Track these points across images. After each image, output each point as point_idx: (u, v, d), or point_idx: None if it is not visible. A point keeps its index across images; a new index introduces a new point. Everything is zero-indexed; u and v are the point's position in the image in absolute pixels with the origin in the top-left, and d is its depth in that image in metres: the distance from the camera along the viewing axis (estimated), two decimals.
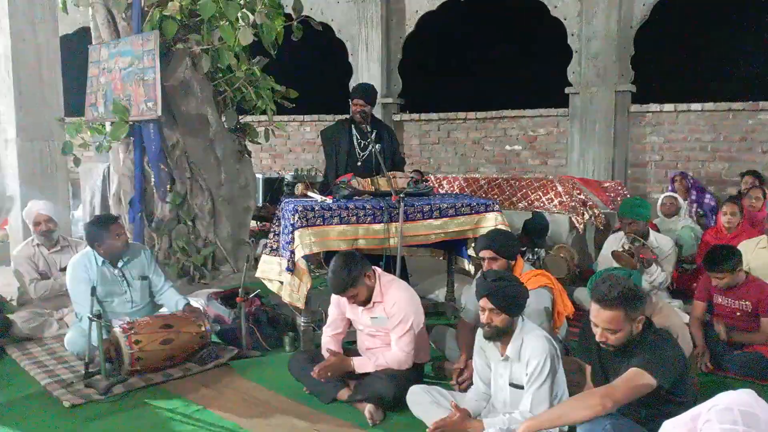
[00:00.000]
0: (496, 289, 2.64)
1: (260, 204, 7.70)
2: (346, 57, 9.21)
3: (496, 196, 6.05)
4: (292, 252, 3.60)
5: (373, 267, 3.20)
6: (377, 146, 4.45)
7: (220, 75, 5.58)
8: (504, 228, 3.82)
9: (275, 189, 7.90)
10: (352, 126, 4.64)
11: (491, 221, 3.97)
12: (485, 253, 3.28)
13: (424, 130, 9.06)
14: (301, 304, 3.69)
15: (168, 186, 5.36)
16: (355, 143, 4.60)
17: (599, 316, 2.48)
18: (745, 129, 7.30)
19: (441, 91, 10.21)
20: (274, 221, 4.18)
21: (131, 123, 5.09)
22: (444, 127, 8.91)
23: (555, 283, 3.36)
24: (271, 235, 4.10)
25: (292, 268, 3.61)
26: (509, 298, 2.63)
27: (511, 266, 3.29)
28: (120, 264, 3.80)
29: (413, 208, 3.85)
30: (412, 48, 9.12)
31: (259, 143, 6.53)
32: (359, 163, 4.58)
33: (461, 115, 8.74)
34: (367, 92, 4.67)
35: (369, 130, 4.60)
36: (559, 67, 8.00)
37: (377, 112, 8.85)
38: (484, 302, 2.66)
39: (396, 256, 3.75)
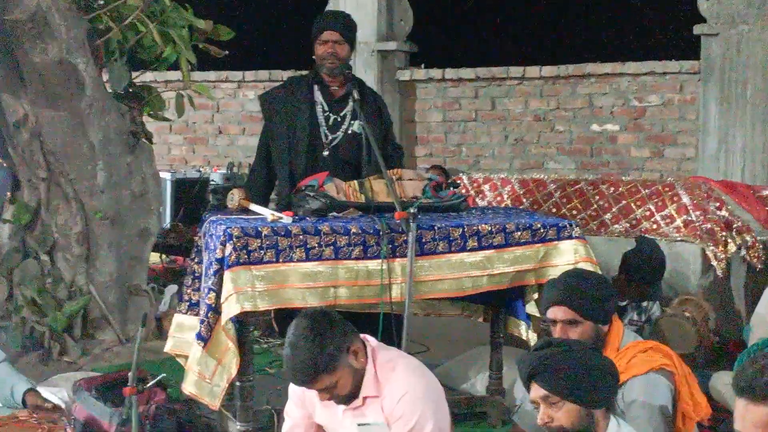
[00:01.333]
0: (548, 362, 2.71)
1: (167, 225, 7.67)
2: None
3: (575, 213, 6.02)
4: (212, 308, 3.63)
5: (362, 337, 3.20)
6: (355, 123, 4.53)
7: (102, 3, 5.58)
8: (589, 267, 3.84)
9: (194, 199, 7.88)
10: (315, 88, 4.71)
11: (567, 255, 4.00)
12: (556, 312, 3.30)
13: (451, 96, 9.07)
14: (215, 403, 3.72)
15: (8, 194, 5.34)
16: (320, 118, 4.69)
17: (748, 417, 2.46)
18: None
19: (478, 32, 10.24)
20: (193, 254, 4.19)
21: None
22: (486, 91, 8.92)
23: (678, 363, 3.37)
24: (188, 280, 4.11)
25: (205, 336, 3.64)
26: (574, 375, 2.69)
27: (601, 334, 3.31)
28: None
29: (432, 232, 3.88)
30: None
31: (168, 120, 6.50)
32: (325, 153, 4.66)
33: (515, 71, 8.75)
34: (344, 21, 4.75)
35: (344, 94, 4.65)
36: None
37: (371, 66, 8.86)
38: (535, 391, 2.75)
39: (401, 316, 3.75)
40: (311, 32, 4.73)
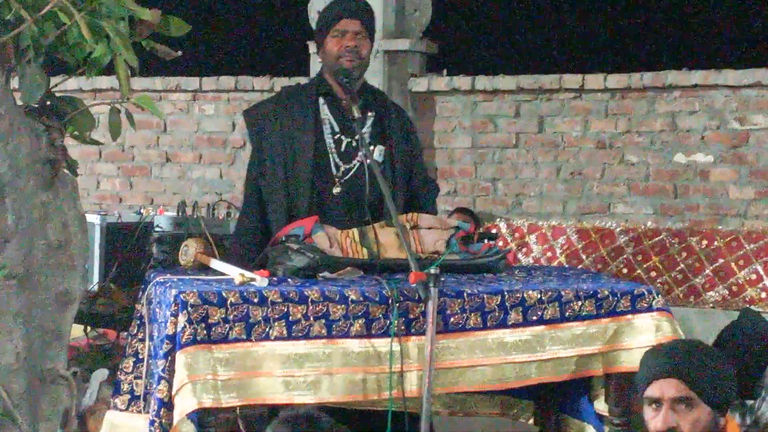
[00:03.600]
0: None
1: (95, 286, 7.67)
2: None
3: (654, 275, 6.04)
4: (164, 404, 3.65)
5: None
6: (376, 150, 4.58)
7: None
8: None
9: (132, 251, 7.90)
10: (321, 102, 4.75)
11: (646, 334, 4.04)
12: (665, 388, 3.30)
13: (483, 114, 9.12)
14: None
15: None
16: (330, 142, 4.72)
17: None
18: None
19: (520, 29, 10.31)
20: (134, 328, 4.25)
21: None
22: (530, 107, 8.97)
23: None
24: (126, 363, 4.16)
25: None
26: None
27: (718, 428, 3.32)
28: None
29: (461, 301, 3.91)
30: None
31: (98, 143, 6.52)
32: (336, 190, 4.68)
33: (571, 80, 8.81)
34: (366, 8, 4.81)
35: (360, 111, 4.67)
36: None
37: (375, 72, 8.90)
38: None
39: (418, 416, 3.75)
40: (318, 26, 4.79)
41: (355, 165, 4.67)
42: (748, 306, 5.66)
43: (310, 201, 4.60)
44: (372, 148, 4.64)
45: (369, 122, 4.70)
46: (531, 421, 4.68)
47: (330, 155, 4.68)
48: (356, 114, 4.58)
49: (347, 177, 4.67)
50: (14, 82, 5.78)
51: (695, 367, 3.32)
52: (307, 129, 4.68)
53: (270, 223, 4.69)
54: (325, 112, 4.72)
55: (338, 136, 4.70)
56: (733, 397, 3.42)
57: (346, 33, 4.64)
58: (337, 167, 4.67)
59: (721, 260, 6.01)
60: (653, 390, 3.33)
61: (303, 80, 5.99)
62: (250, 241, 4.70)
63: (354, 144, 4.67)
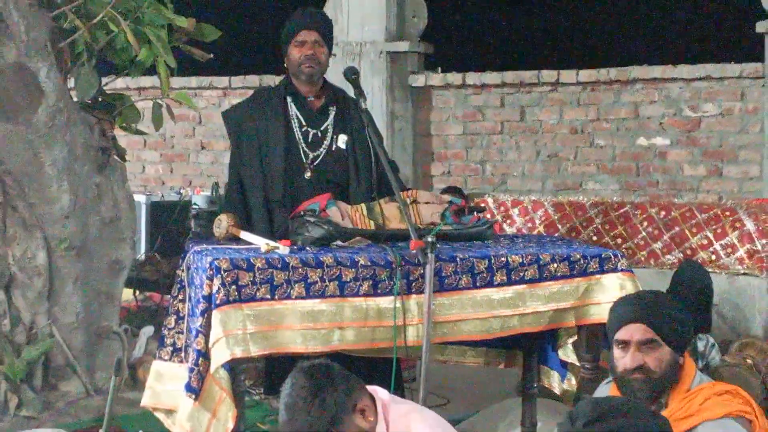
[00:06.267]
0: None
1: (142, 256, 7.68)
2: None
3: (619, 241, 6.03)
4: (202, 354, 3.65)
5: (371, 390, 3.21)
6: (340, 138, 4.61)
7: None
8: None
9: (173, 225, 7.90)
10: (289, 100, 4.76)
11: (612, 291, 4.01)
12: (633, 332, 3.28)
13: (473, 105, 9.10)
14: None
15: None
16: (298, 134, 4.73)
17: None
18: None
19: (505, 31, 10.27)
20: (175, 290, 4.21)
21: None
22: (513, 99, 8.95)
23: (759, 413, 3.33)
24: (169, 321, 4.13)
25: (196, 388, 3.67)
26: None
27: (677, 365, 3.31)
28: None
29: (454, 264, 3.91)
30: None
31: (143, 133, 6.53)
32: (308, 175, 4.70)
33: (548, 75, 8.78)
34: (323, 19, 4.83)
35: (322, 105, 4.72)
36: None
37: (379, 71, 8.89)
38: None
39: (418, 361, 3.81)
40: (282, 36, 4.79)
41: (321, 152, 4.70)
42: (687, 258, 5.67)
43: (284, 185, 4.62)
44: (335, 136, 4.67)
45: (331, 115, 4.71)
46: (502, 365, 4.66)
47: (299, 145, 4.69)
48: (363, 106, 4.56)
49: (316, 163, 4.68)
50: (71, 82, 5.79)
51: (658, 313, 3.31)
52: (278, 124, 4.68)
53: (249, 205, 4.72)
54: (292, 109, 4.72)
55: (305, 128, 4.70)
56: (689, 338, 3.43)
57: (305, 43, 4.66)
58: (306, 155, 4.68)
59: (676, 228, 6.01)
60: (622, 333, 3.31)
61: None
62: (227, 208, 4.70)
63: (319, 135, 4.70)
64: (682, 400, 3.26)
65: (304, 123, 4.72)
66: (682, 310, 3.42)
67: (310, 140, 4.71)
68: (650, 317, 3.30)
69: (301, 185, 4.63)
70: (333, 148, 4.70)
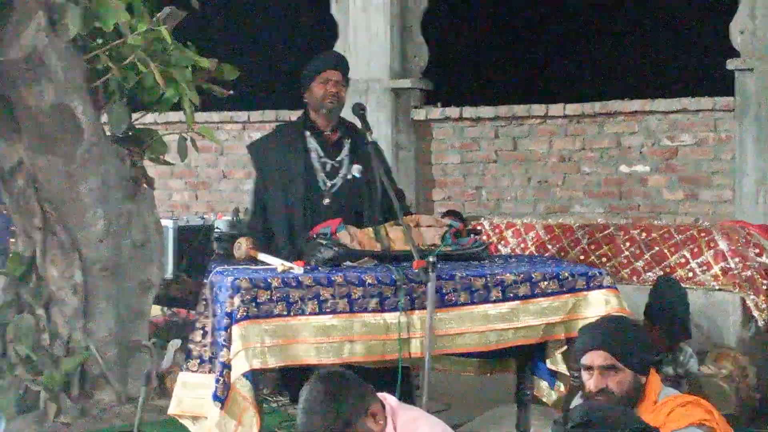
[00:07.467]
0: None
1: (170, 275, 7.67)
2: (328, 7, 9.35)
3: (604, 260, 6.02)
4: (227, 366, 3.66)
5: (381, 396, 3.22)
6: (354, 168, 4.60)
7: (100, 42, 5.65)
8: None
9: (197, 247, 7.90)
10: (307, 134, 4.76)
11: (598, 307, 4.02)
12: (594, 358, 3.29)
13: (469, 137, 9.09)
14: None
15: (4, 243, 5.37)
16: (317, 164, 4.73)
17: None
18: None
19: (497, 69, 10.29)
20: (201, 307, 4.23)
21: None
22: (506, 131, 8.94)
23: (719, 419, 3.34)
24: (196, 335, 4.15)
25: (222, 397, 3.67)
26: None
27: (639, 385, 3.30)
28: None
29: (453, 282, 3.92)
30: None
31: (169, 164, 6.55)
32: (326, 201, 4.70)
33: (537, 109, 8.77)
34: (345, 63, 4.88)
35: (338, 139, 4.74)
36: (715, 23, 8.04)
37: (384, 105, 8.91)
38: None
39: (421, 370, 3.80)
40: (305, 72, 4.80)
41: (338, 181, 4.71)
42: (662, 275, 5.66)
43: (304, 211, 4.62)
44: (350, 167, 4.68)
45: (346, 147, 4.72)
46: (489, 374, 4.67)
47: (317, 174, 4.69)
48: (369, 138, 4.57)
49: (333, 191, 4.68)
50: (104, 117, 5.81)
51: (618, 340, 3.30)
52: (297, 155, 4.69)
53: (271, 229, 4.72)
54: (311, 142, 4.73)
55: (323, 159, 4.71)
56: (651, 360, 3.39)
57: (329, 81, 4.68)
58: (324, 184, 4.69)
59: (656, 248, 6.00)
60: (586, 359, 3.31)
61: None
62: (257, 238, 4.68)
63: (335, 165, 4.71)
64: (650, 413, 3.25)
65: (321, 154, 4.73)
66: (641, 334, 3.44)
67: (327, 170, 4.71)
68: (611, 344, 3.29)
69: (319, 211, 4.61)
70: (348, 177, 4.69)
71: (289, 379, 4.92)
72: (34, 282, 5.48)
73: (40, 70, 5.25)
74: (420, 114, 9.12)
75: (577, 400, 3.54)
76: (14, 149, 5.40)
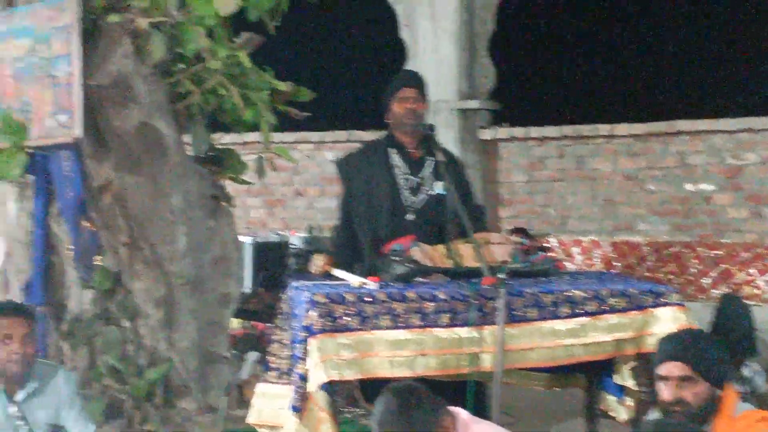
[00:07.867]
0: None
1: (248, 289, 7.72)
2: (397, 30, 9.39)
3: (671, 278, 5.95)
4: (303, 377, 3.69)
5: (454, 410, 3.20)
6: (438, 185, 4.57)
7: (183, 67, 5.73)
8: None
9: (274, 263, 7.95)
10: (390, 151, 4.77)
11: (666, 323, 3.97)
12: (671, 368, 3.25)
13: (535, 156, 9.07)
14: None
15: (92, 258, 5.46)
16: (401, 181, 4.73)
17: None
18: None
19: (564, 89, 10.25)
20: (279, 320, 4.27)
21: (31, 151, 5.24)
22: (572, 150, 8.90)
23: None
24: (274, 347, 4.20)
25: (299, 408, 3.69)
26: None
27: (716, 398, 3.25)
28: (20, 396, 3.85)
29: (523, 298, 3.91)
30: (512, 15, 9.22)
31: (248, 183, 6.61)
32: (410, 217, 4.69)
33: (603, 128, 8.72)
34: (421, 79, 4.88)
35: (421, 155, 4.71)
36: None
37: (452, 125, 8.92)
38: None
39: (491, 385, 3.81)
40: (385, 94, 4.83)
41: (421, 197, 4.69)
42: (727, 293, 5.57)
43: (389, 225, 4.61)
44: (434, 183, 4.67)
45: (429, 164, 4.70)
46: (558, 388, 4.66)
47: (401, 191, 4.69)
48: (441, 158, 4.57)
49: (417, 206, 4.67)
50: (186, 138, 5.88)
51: (696, 352, 3.27)
52: (382, 172, 4.70)
53: (358, 242, 4.74)
54: (395, 159, 4.73)
55: (407, 176, 4.71)
56: (727, 373, 3.36)
57: (407, 98, 4.69)
58: (407, 200, 4.68)
59: (723, 265, 5.92)
60: (662, 370, 3.28)
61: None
62: (343, 252, 4.73)
63: (419, 181, 4.70)
64: (728, 428, 3.20)
65: (405, 171, 4.73)
66: (719, 348, 3.38)
67: (411, 186, 4.71)
68: (688, 356, 3.26)
69: (404, 226, 4.60)
70: (432, 194, 4.67)
71: (365, 389, 4.93)
72: (121, 296, 5.54)
73: (127, 93, 5.32)
74: (487, 134, 9.12)
75: (652, 415, 3.49)
76: (103, 169, 5.47)
